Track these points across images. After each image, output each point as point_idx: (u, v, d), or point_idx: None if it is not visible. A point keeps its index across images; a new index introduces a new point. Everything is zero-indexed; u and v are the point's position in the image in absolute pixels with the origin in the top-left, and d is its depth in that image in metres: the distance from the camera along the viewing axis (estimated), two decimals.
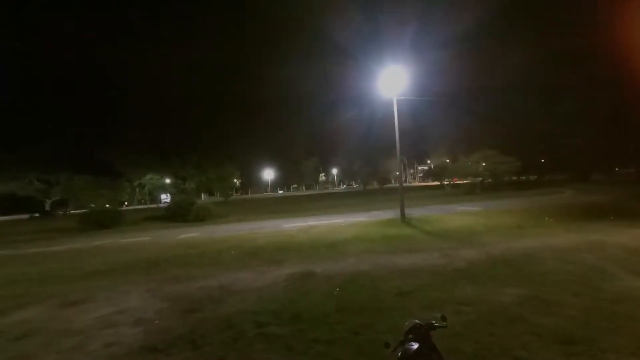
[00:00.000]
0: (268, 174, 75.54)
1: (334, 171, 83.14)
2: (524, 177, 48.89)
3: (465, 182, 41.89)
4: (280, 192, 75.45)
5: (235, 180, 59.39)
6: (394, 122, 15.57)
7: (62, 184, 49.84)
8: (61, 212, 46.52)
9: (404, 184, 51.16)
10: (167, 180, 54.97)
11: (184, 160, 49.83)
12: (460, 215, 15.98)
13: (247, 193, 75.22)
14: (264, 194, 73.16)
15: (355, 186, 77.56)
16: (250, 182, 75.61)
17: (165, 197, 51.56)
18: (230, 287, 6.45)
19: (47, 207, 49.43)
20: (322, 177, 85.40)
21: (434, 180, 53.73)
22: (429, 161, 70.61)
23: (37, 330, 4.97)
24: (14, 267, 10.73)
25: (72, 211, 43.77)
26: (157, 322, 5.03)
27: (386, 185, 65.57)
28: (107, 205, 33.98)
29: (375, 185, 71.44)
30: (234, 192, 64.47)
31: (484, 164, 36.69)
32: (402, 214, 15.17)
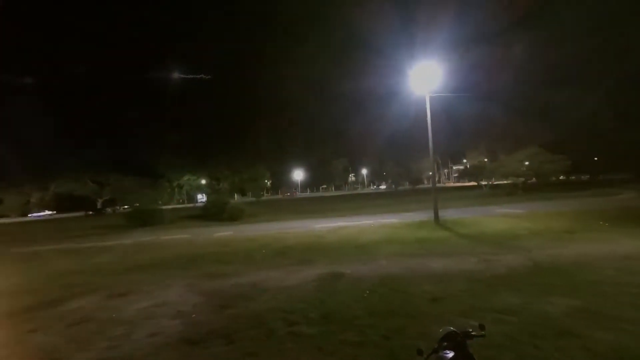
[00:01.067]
0: (297, 175, 76.55)
1: (364, 172, 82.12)
2: (573, 177, 44.82)
3: (505, 182, 39.28)
4: (300, 194, 75.78)
5: (266, 181, 60.94)
6: (426, 120, 15.02)
7: (112, 185, 54.72)
8: (110, 210, 50.76)
9: (438, 185, 49.28)
10: (203, 181, 57.88)
11: (218, 162, 52.18)
12: (500, 217, 15.02)
13: (277, 193, 76.89)
14: (295, 194, 74.40)
15: (385, 187, 76.04)
16: (281, 182, 77.15)
17: (202, 197, 54.26)
18: (261, 285, 6.60)
19: (99, 205, 54.36)
20: (351, 177, 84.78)
21: (470, 181, 51.00)
22: (464, 160, 67.34)
23: (89, 318, 5.45)
24: (71, 259, 11.89)
25: (120, 209, 47.48)
26: (194, 315, 5.28)
27: (418, 186, 63.65)
28: (157, 203, 36.68)
29: (406, 186, 69.55)
30: (265, 192, 66.20)
31: (527, 163, 34.15)
32: (436, 215, 14.59)
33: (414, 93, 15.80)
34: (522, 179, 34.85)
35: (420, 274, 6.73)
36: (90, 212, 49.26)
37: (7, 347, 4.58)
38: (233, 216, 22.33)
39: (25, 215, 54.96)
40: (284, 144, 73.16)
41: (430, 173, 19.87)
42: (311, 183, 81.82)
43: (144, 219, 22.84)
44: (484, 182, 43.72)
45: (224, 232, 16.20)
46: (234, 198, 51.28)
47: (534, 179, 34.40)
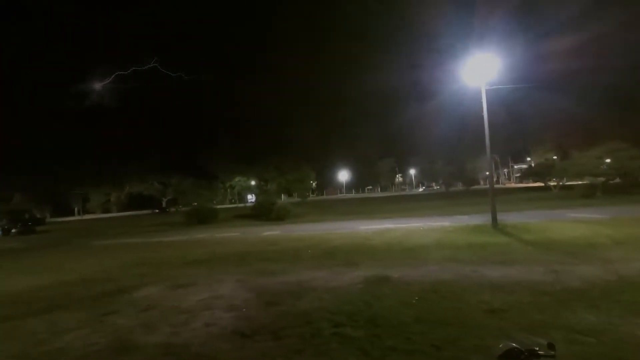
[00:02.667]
0: (343, 176, 76.33)
1: (412, 172, 78.51)
2: None
3: (580, 183, 34.30)
4: (344, 194, 74.84)
5: (311, 182, 62.02)
6: (482, 115, 13.86)
7: (174, 186, 60.74)
8: (173, 209, 56.18)
9: (496, 186, 45.21)
10: (252, 182, 61.07)
11: (266, 164, 54.61)
12: (573, 223, 13.23)
13: (322, 194, 77.62)
14: (339, 195, 74.22)
15: (436, 188, 71.90)
16: (326, 183, 77.77)
17: (251, 197, 57.31)
18: (307, 285, 6.69)
19: (164, 204, 60.68)
20: (398, 178, 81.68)
21: (535, 181, 45.62)
22: (528, 159, 60.79)
23: (155, 305, 6.06)
24: (140, 252, 13.39)
25: (181, 208, 52.31)
26: (244, 310, 5.56)
27: (473, 187, 58.92)
28: (212, 203, 39.88)
29: (459, 186, 65.06)
30: (310, 193, 67.36)
31: (608, 160, 29.54)
32: (494, 219, 13.36)
33: (469, 86, 14.65)
34: (601, 179, 30.09)
35: (475, 282, 6.22)
36: (157, 210, 55.10)
37: (90, 325, 5.29)
38: (280, 216, 23.12)
39: (107, 212, 63.39)
40: (329, 144, 73.68)
41: (488, 173, 18.27)
42: (356, 184, 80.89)
43: (201, 217, 24.81)
44: (552, 183, 38.85)
45: (271, 232, 16.83)
46: (281, 198, 53.10)
47: (617, 179, 29.55)
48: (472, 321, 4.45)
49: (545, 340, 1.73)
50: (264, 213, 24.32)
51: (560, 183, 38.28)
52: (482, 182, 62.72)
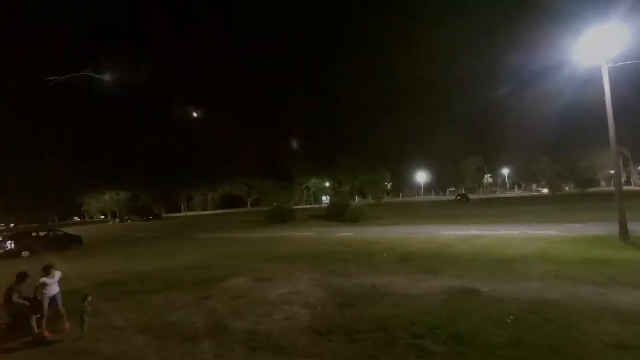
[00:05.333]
0: (420, 177, 71.63)
1: (504, 171, 68.29)
2: None
3: None
4: (422, 197, 69.29)
5: (386, 183, 60.20)
6: (603, 101, 11.09)
7: (257, 187, 67.03)
8: (257, 208, 61.87)
9: (625, 187, 36.10)
10: (327, 184, 62.72)
11: (341, 165, 55.39)
12: None
13: (398, 196, 74.41)
14: (416, 197, 69.96)
15: (539, 190, 61.05)
16: (402, 185, 74.21)
17: (325, 199, 58.90)
18: (383, 290, 6.48)
19: (248, 204, 67.45)
20: (487, 178, 71.87)
21: None
22: None
23: (242, 295, 6.70)
24: (230, 246, 15.08)
25: (263, 208, 57.25)
26: (319, 308, 5.69)
27: (590, 189, 47.95)
28: (290, 203, 42.79)
29: (570, 188, 54.02)
30: (385, 194, 65.39)
31: None
32: (622, 229, 10.61)
33: (583, 64, 11.54)
34: None
35: (594, 306, 5.05)
36: (242, 209, 61.50)
37: (192, 306, 6.17)
38: (354, 217, 23.09)
39: (204, 209, 73.67)
40: (407, 143, 70.24)
41: (612, 171, 14.60)
42: (436, 185, 74.83)
43: (280, 216, 26.60)
44: None
45: (345, 233, 16.93)
46: (354, 200, 53.09)
47: None
48: (593, 355, 3.62)
49: None
50: (337, 214, 24.68)
51: None
52: (603, 183, 50.89)
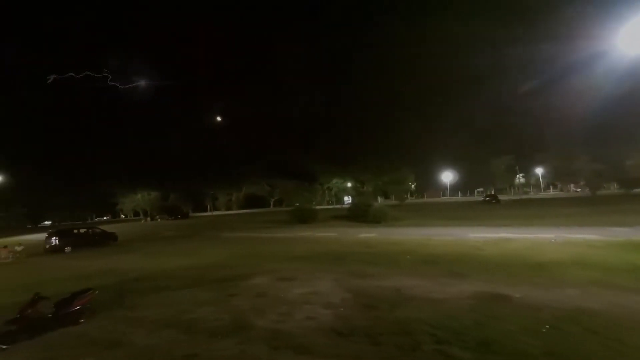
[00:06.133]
0: (446, 177, 69.23)
1: (539, 171, 64.18)
2: None
3: None
4: (448, 197, 66.66)
5: (410, 184, 58.76)
6: None
7: (280, 187, 67.97)
8: (279, 209, 62.76)
9: None
10: (349, 184, 62.32)
11: (364, 166, 54.79)
12: None
13: (422, 197, 72.45)
14: (442, 198, 67.73)
15: (577, 190, 56.98)
16: (427, 185, 72.17)
17: (347, 199, 58.52)
18: (406, 293, 6.33)
19: (271, 204, 68.57)
20: (519, 178, 67.92)
21: None
22: None
23: (264, 294, 6.81)
24: (253, 245, 15.37)
25: (285, 208, 57.95)
26: (341, 309, 5.65)
27: (636, 190, 43.94)
28: (311, 203, 43.10)
29: (613, 189, 49.85)
30: (408, 195, 63.86)
31: None
32: None
33: (626, 56, 10.92)
34: None
35: None
36: (265, 209, 62.62)
37: (218, 303, 6.35)
38: (376, 218, 22.76)
39: (229, 209, 75.74)
40: (432, 142, 68.26)
41: None
42: (463, 186, 72.04)
43: (302, 217, 26.77)
44: None
45: (367, 234, 16.72)
46: (377, 200, 52.32)
47: None
48: None
49: None
50: (359, 215, 24.43)
51: None
52: None
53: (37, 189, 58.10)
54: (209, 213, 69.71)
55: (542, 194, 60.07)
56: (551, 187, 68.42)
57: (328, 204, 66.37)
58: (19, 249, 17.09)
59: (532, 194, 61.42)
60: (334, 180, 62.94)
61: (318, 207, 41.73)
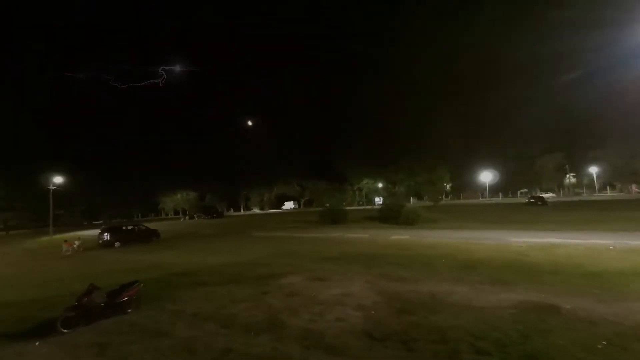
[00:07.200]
0: (485, 177, 65.08)
1: (592, 170, 58.18)
2: None
3: None
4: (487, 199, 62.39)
5: (445, 184, 56.22)
6: None
7: (310, 188, 68.65)
8: (309, 209, 63.32)
9: None
10: (380, 185, 61.18)
11: (397, 166, 53.49)
12: None
13: (459, 198, 68.98)
14: (480, 199, 63.92)
15: (638, 191, 50.88)
16: (464, 185, 68.45)
17: (379, 200, 57.42)
18: (443, 299, 6.07)
19: (302, 204, 69.42)
20: (569, 178, 61.96)
21: None
22: None
23: (297, 293, 6.90)
24: (286, 244, 15.65)
25: (316, 208, 58.34)
26: (373, 312, 5.56)
27: None
28: (342, 204, 43.04)
29: None
30: (444, 196, 61.10)
31: None
32: None
33: None
34: None
35: None
36: (296, 209, 63.49)
37: (250, 301, 6.55)
38: (409, 220, 22.11)
39: (261, 209, 77.93)
40: (470, 140, 64.86)
41: None
42: (504, 186, 67.24)
43: (333, 217, 26.77)
44: None
45: (400, 236, 16.29)
46: (410, 201, 50.76)
47: None
48: None
49: None
50: (391, 216, 23.86)
51: None
52: None
53: (92, 190, 64.11)
54: (242, 212, 72.25)
55: (597, 195, 54.39)
56: (608, 187, 61.70)
57: (358, 204, 65.75)
58: (77, 243, 18.99)
59: (585, 196, 55.88)
60: (365, 181, 62.21)
61: (348, 207, 41.51)
